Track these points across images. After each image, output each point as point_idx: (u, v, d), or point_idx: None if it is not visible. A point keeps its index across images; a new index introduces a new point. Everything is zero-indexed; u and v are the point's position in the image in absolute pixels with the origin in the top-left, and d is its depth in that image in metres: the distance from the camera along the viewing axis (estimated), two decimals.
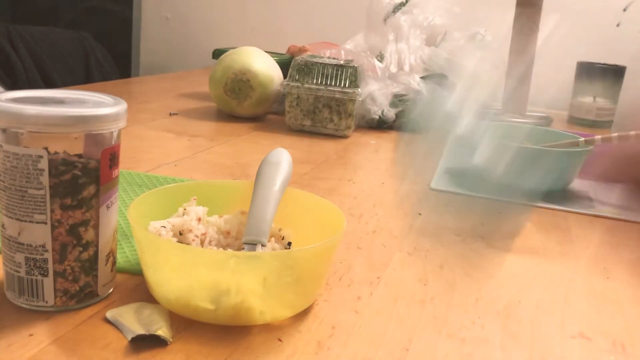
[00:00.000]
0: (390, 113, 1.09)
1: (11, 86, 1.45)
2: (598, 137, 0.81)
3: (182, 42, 1.97)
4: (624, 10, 1.53)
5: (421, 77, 1.18)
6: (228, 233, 0.48)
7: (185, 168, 0.76)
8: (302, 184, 0.73)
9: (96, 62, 1.77)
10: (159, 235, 0.44)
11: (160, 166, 0.76)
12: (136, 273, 0.46)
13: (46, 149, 0.37)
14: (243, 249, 0.44)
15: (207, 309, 0.39)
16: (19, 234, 0.39)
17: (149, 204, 0.47)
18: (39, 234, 0.38)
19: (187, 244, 0.45)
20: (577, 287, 0.52)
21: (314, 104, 1.01)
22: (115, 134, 0.40)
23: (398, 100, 1.11)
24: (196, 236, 0.46)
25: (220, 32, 1.92)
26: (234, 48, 1.12)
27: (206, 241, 0.46)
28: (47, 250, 0.39)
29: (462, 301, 0.47)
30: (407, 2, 1.40)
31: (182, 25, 1.96)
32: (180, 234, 0.46)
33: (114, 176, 0.41)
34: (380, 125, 1.10)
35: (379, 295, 0.47)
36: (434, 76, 1.26)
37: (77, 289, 0.40)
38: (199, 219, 0.47)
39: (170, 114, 1.07)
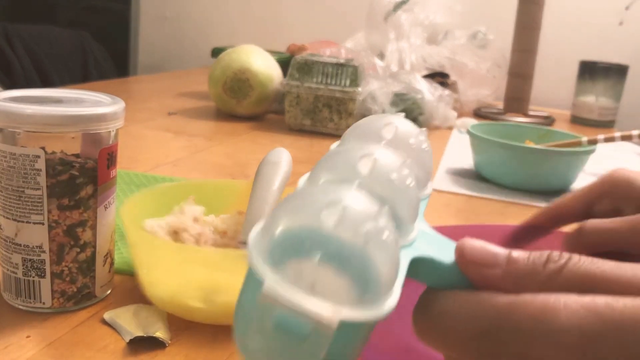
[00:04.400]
0: (391, 112, 1.09)
1: (9, 85, 1.44)
2: (601, 136, 0.81)
3: (180, 41, 1.96)
4: (626, 8, 1.53)
5: (422, 76, 1.18)
6: (224, 233, 0.47)
7: (184, 168, 0.75)
8: None
9: (94, 61, 1.77)
10: (153, 233, 0.44)
11: (159, 166, 0.75)
12: (134, 274, 0.45)
13: (43, 148, 0.37)
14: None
15: (201, 308, 0.38)
16: (16, 234, 0.38)
17: (144, 203, 0.46)
18: (36, 235, 0.38)
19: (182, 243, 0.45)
20: None
21: (314, 103, 1.01)
22: (113, 134, 0.40)
23: (399, 99, 1.10)
24: (191, 235, 0.45)
25: (219, 30, 1.91)
26: (233, 47, 1.12)
27: (202, 241, 0.46)
28: (44, 251, 0.38)
29: None
30: (408, 0, 1.40)
31: (181, 24, 1.96)
32: (175, 233, 0.45)
33: (111, 176, 0.41)
34: None
35: None
36: (435, 75, 1.25)
37: (75, 290, 0.40)
38: (195, 219, 0.46)
39: (169, 114, 1.07)
